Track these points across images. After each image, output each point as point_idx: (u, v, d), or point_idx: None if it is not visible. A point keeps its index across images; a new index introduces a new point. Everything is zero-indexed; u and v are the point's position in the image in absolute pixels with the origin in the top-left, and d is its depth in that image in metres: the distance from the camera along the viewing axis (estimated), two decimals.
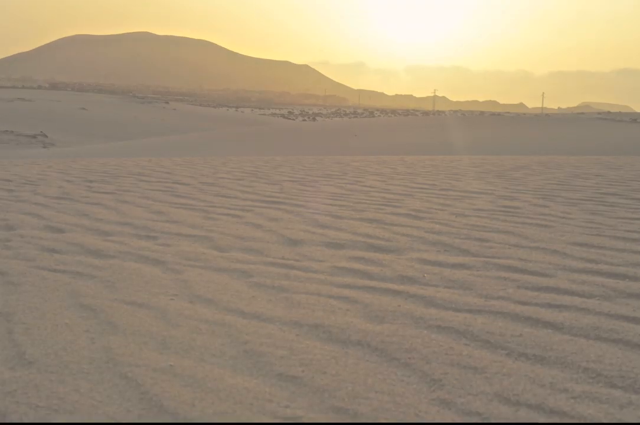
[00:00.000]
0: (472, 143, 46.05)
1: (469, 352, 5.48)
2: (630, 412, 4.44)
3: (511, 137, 53.50)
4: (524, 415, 4.40)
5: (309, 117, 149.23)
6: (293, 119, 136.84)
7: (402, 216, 11.68)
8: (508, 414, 4.42)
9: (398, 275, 7.87)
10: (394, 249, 9.22)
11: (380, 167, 22.00)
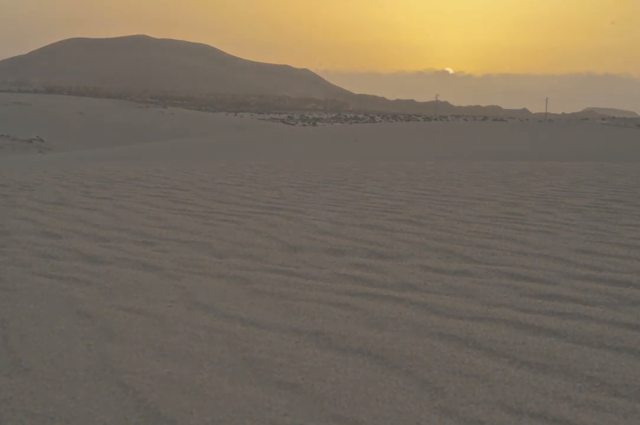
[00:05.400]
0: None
1: (471, 360, 5.47)
2: (634, 421, 4.43)
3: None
4: (526, 424, 4.39)
5: (309, 122, 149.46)
6: (293, 124, 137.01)
7: (403, 222, 11.68)
8: (511, 423, 4.41)
9: (399, 282, 7.86)
10: (395, 256, 9.22)
11: (381, 173, 22.02)
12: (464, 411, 4.59)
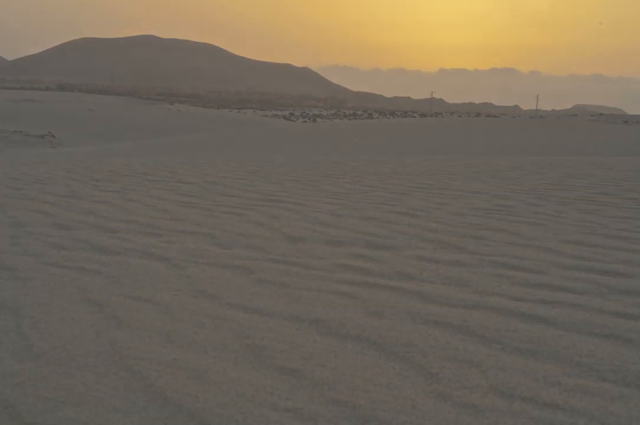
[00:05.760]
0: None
1: (465, 346, 5.59)
2: (621, 405, 4.55)
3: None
4: (518, 408, 4.50)
5: (309, 119, 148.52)
6: (294, 121, 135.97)
7: (400, 214, 11.77)
8: (503, 407, 4.52)
9: (396, 271, 7.96)
10: (392, 247, 9.30)
11: (379, 167, 22.02)
12: (458, 395, 4.70)
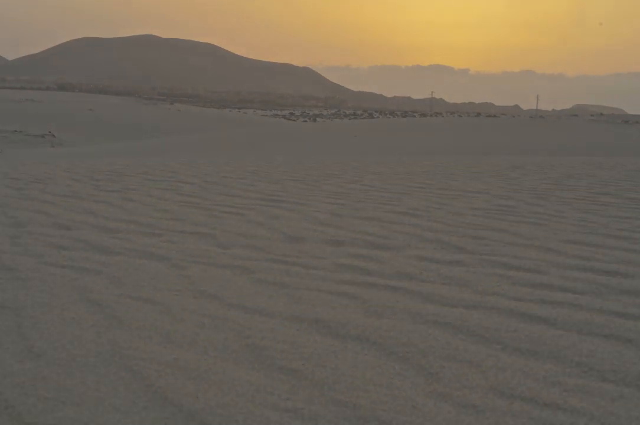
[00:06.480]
0: None
1: (465, 346, 5.59)
2: (621, 405, 4.56)
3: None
4: (518, 408, 4.51)
5: (309, 118, 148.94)
6: (294, 120, 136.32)
7: (400, 214, 11.79)
8: (503, 407, 4.52)
9: (396, 271, 7.97)
10: (392, 247, 9.31)
11: (379, 167, 22.06)
12: (458, 396, 4.70)
